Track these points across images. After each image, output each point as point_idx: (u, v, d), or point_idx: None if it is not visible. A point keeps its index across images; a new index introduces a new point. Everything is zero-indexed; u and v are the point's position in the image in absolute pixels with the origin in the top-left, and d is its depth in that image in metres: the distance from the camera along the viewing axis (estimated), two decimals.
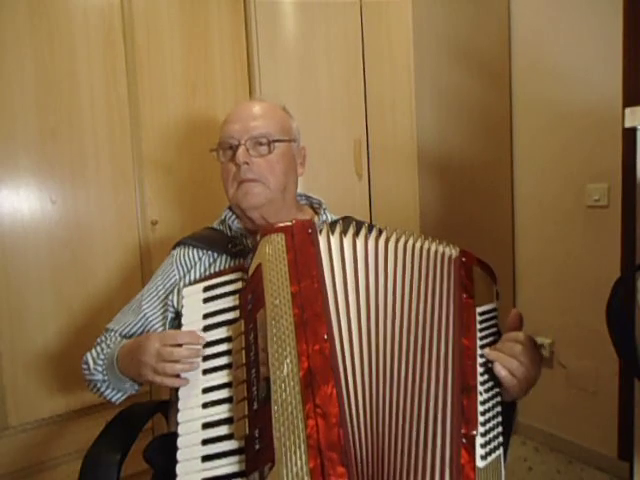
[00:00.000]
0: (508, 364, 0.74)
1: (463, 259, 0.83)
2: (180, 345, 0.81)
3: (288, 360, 0.70)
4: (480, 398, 0.72)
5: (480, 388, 0.73)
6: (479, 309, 0.80)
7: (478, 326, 0.78)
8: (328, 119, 1.82)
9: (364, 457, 0.66)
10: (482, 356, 0.76)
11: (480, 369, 0.75)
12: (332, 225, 0.85)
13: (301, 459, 0.63)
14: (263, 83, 1.74)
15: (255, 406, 0.72)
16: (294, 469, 0.63)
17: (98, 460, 0.88)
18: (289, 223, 0.82)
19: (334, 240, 0.81)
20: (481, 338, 0.78)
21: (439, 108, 1.79)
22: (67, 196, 1.50)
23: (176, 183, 1.67)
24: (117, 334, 1.05)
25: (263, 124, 1.00)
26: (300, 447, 0.64)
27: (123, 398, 1.02)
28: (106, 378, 0.98)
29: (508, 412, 0.83)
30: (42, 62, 1.45)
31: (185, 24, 1.67)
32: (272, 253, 0.79)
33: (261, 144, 1.00)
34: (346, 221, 1.08)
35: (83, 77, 1.51)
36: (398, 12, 1.72)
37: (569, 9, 1.85)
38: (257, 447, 0.69)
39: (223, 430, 0.75)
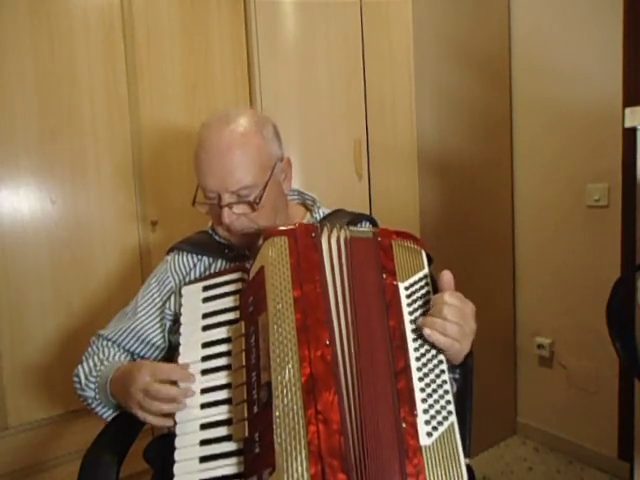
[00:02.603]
0: (440, 328, 0.73)
1: (379, 239, 0.83)
2: (172, 381, 0.78)
3: (290, 365, 0.69)
4: (419, 374, 0.72)
5: (417, 364, 0.73)
6: (405, 283, 0.79)
7: (406, 300, 0.78)
8: (328, 119, 1.82)
9: (363, 463, 0.66)
10: (415, 330, 0.75)
11: (415, 344, 0.75)
12: (332, 226, 0.85)
13: (302, 465, 0.63)
14: (263, 83, 1.74)
15: (255, 409, 0.72)
16: (295, 475, 0.63)
17: (97, 460, 0.88)
18: (292, 226, 0.82)
19: (335, 244, 0.81)
20: (413, 311, 0.77)
21: (439, 108, 1.79)
22: (67, 196, 1.50)
23: (176, 183, 1.66)
24: (110, 343, 1.02)
25: (241, 176, 0.91)
26: (301, 453, 0.64)
27: (114, 414, 0.97)
28: (97, 397, 0.95)
29: (464, 373, 0.84)
30: (42, 62, 1.45)
31: (185, 24, 1.67)
32: (275, 256, 0.79)
33: (244, 197, 0.93)
34: (338, 214, 1.06)
35: (83, 77, 1.51)
36: (398, 12, 1.72)
37: (569, 9, 1.84)
38: (257, 451, 0.69)
39: (221, 431, 0.74)
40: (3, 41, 1.40)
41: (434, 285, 0.82)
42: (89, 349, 1.02)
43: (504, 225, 2.08)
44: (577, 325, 1.91)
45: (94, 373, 0.95)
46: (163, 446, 0.88)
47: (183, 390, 0.77)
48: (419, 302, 0.79)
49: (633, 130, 1.15)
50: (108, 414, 0.97)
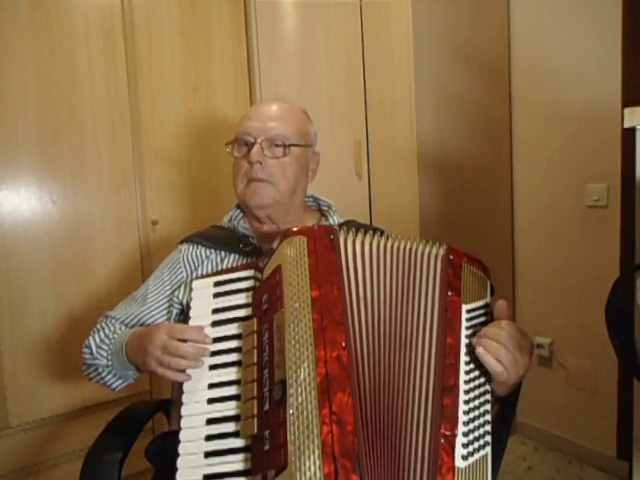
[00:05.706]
0: (493, 350, 0.72)
1: (451, 257, 0.83)
2: (186, 341, 0.80)
3: (305, 364, 0.69)
4: (465, 397, 0.72)
5: (465, 387, 0.73)
6: (468, 306, 0.79)
7: (466, 323, 0.77)
8: (328, 119, 1.82)
9: (375, 466, 0.66)
10: (469, 354, 0.75)
11: (466, 367, 0.74)
12: (349, 231, 0.84)
13: (314, 464, 0.63)
14: (263, 83, 1.75)
15: (266, 407, 0.71)
16: (307, 473, 0.63)
17: (99, 459, 0.88)
18: (311, 227, 0.82)
19: (351, 247, 0.81)
20: (469, 335, 0.77)
21: (439, 108, 1.80)
22: (67, 196, 1.51)
23: (176, 183, 1.67)
24: (119, 322, 1.02)
25: (281, 125, 1.02)
26: (314, 452, 0.63)
27: (123, 385, 1.00)
28: (110, 363, 0.96)
29: (507, 410, 0.83)
30: (43, 62, 1.45)
31: (185, 24, 1.67)
32: (293, 256, 0.78)
33: (277, 145, 1.01)
34: (349, 225, 1.07)
35: (83, 77, 1.52)
36: (398, 12, 1.72)
37: (569, 9, 1.85)
38: (266, 448, 0.68)
39: (228, 427, 0.74)
40: (4, 41, 1.40)
41: (492, 317, 0.81)
42: (98, 325, 1.03)
43: (504, 225, 2.08)
44: (577, 325, 1.91)
45: (107, 341, 0.97)
46: (165, 444, 0.88)
47: (199, 348, 0.79)
48: (477, 328, 0.78)
49: (632, 130, 1.15)
50: (117, 384, 0.99)
